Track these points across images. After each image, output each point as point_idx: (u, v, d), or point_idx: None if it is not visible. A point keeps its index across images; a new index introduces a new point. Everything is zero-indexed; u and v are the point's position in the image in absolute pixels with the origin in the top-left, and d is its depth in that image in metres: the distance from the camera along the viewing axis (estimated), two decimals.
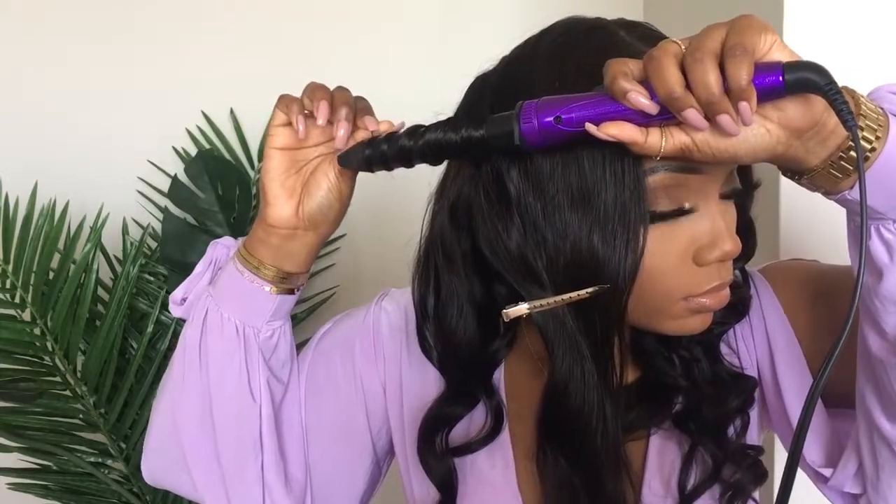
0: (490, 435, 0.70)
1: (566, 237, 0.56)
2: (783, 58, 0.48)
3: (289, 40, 1.53)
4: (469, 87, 0.64)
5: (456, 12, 1.52)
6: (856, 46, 0.85)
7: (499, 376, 0.72)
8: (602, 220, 0.55)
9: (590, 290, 0.57)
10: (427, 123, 0.60)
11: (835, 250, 0.68)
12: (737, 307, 0.67)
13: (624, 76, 0.49)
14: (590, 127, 0.50)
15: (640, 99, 0.49)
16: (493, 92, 0.61)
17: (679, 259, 0.58)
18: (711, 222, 0.58)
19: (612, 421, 0.61)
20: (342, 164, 0.63)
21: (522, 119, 0.53)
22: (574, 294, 0.57)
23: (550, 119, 0.52)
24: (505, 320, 0.59)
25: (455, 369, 0.70)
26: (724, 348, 0.69)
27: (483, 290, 0.67)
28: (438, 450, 0.70)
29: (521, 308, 0.58)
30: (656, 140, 0.50)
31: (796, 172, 0.53)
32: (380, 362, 0.75)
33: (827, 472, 0.65)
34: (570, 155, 0.55)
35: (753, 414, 0.69)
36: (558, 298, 0.57)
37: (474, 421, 0.71)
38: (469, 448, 0.70)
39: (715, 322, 0.64)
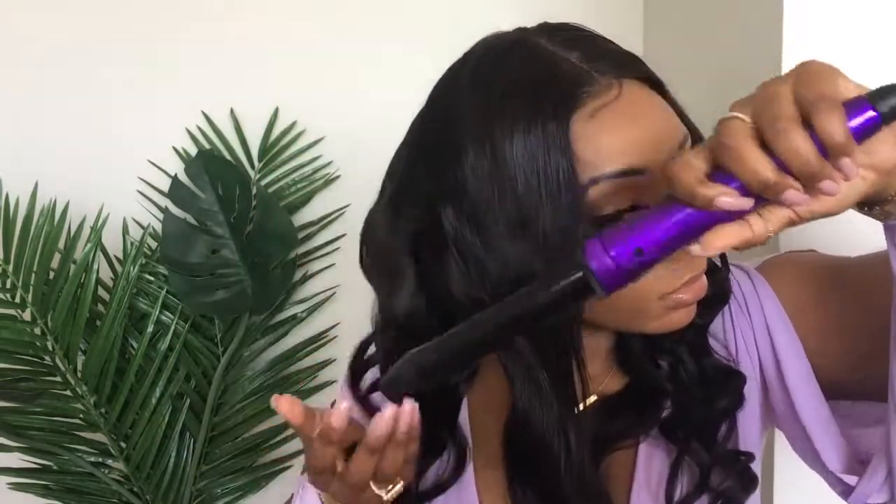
0: (454, 475, 0.68)
1: (509, 266, 0.56)
2: (855, 93, 0.43)
3: (290, 40, 1.53)
4: (402, 144, 0.63)
5: (455, 12, 1.52)
6: (856, 46, 0.85)
7: (464, 423, 0.70)
8: (543, 246, 0.54)
9: None
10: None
11: (836, 246, 0.68)
12: (717, 295, 0.65)
13: (699, 182, 0.44)
14: (694, 249, 0.45)
15: (732, 201, 0.43)
16: (435, 143, 0.60)
17: None
18: None
19: (577, 448, 0.60)
20: (388, 391, 0.56)
21: (591, 260, 0.47)
22: None
23: (631, 254, 0.47)
24: None
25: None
26: (717, 346, 0.67)
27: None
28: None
29: None
30: (761, 228, 0.46)
31: (868, 205, 0.49)
32: None
33: (851, 479, 0.62)
34: (505, 183, 0.54)
35: (755, 414, 0.67)
36: None
37: (449, 464, 0.69)
38: (440, 489, 0.68)
39: (698, 314, 0.62)
